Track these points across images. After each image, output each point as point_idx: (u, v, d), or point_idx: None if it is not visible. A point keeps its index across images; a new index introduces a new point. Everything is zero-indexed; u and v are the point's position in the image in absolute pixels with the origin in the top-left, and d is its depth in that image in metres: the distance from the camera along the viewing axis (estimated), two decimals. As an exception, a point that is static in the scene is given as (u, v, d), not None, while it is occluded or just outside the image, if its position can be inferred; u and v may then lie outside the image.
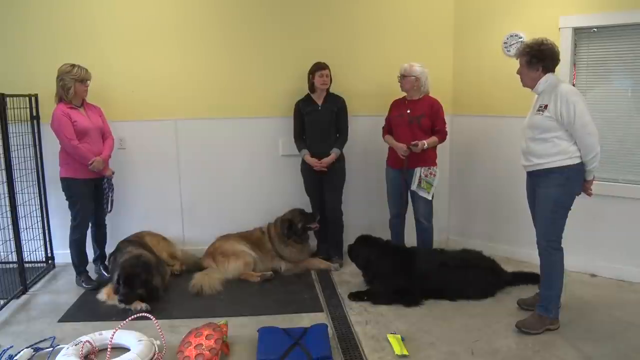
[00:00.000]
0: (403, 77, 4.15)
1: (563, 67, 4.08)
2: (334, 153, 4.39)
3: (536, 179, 3.33)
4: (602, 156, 3.75)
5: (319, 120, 4.40)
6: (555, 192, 3.21)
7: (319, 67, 4.33)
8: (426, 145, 4.06)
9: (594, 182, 3.32)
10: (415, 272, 3.82)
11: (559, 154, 3.17)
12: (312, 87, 4.40)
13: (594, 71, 4.12)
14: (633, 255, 4.05)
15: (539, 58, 3.21)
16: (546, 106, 3.19)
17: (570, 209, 3.25)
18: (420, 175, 4.14)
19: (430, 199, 4.19)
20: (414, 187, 4.17)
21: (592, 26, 4.01)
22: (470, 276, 3.82)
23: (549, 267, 3.29)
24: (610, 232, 4.11)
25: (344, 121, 4.47)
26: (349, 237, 4.68)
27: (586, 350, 3.05)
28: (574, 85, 4.12)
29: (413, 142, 4.01)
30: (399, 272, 3.83)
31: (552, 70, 3.26)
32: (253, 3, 4.60)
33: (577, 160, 3.18)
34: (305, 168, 4.50)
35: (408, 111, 4.17)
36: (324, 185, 4.49)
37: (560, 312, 3.34)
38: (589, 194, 3.37)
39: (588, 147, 3.14)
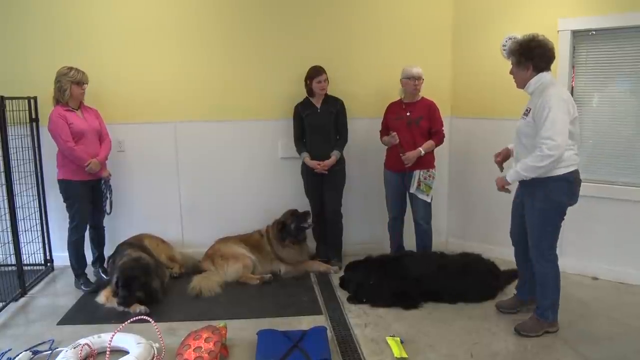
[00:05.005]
0: (418, 79, 4.11)
1: (562, 69, 4.10)
2: (334, 155, 4.39)
3: (523, 188, 3.20)
4: (601, 158, 3.72)
5: (318, 122, 4.40)
6: (540, 206, 3.06)
7: (316, 73, 4.31)
8: (422, 152, 4.08)
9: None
10: (413, 277, 3.80)
11: None
12: (310, 92, 4.41)
13: (593, 73, 4.12)
14: (632, 258, 4.04)
15: (527, 57, 3.03)
16: (530, 110, 3.01)
17: (562, 220, 3.12)
18: (419, 178, 4.15)
19: (429, 201, 4.21)
20: (413, 189, 4.18)
21: (590, 29, 4.01)
22: (470, 279, 3.82)
23: (541, 277, 3.23)
24: (609, 234, 4.11)
25: (344, 123, 4.47)
26: (348, 240, 4.70)
27: (585, 353, 3.05)
28: (572, 87, 4.12)
29: (403, 156, 4.06)
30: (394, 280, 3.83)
31: (546, 69, 3.07)
32: (252, 6, 4.60)
33: (563, 171, 2.98)
34: (306, 170, 4.50)
35: (408, 114, 4.18)
36: (324, 187, 4.49)
37: (559, 315, 3.33)
38: (502, 190, 3.20)
39: (537, 157, 2.88)
